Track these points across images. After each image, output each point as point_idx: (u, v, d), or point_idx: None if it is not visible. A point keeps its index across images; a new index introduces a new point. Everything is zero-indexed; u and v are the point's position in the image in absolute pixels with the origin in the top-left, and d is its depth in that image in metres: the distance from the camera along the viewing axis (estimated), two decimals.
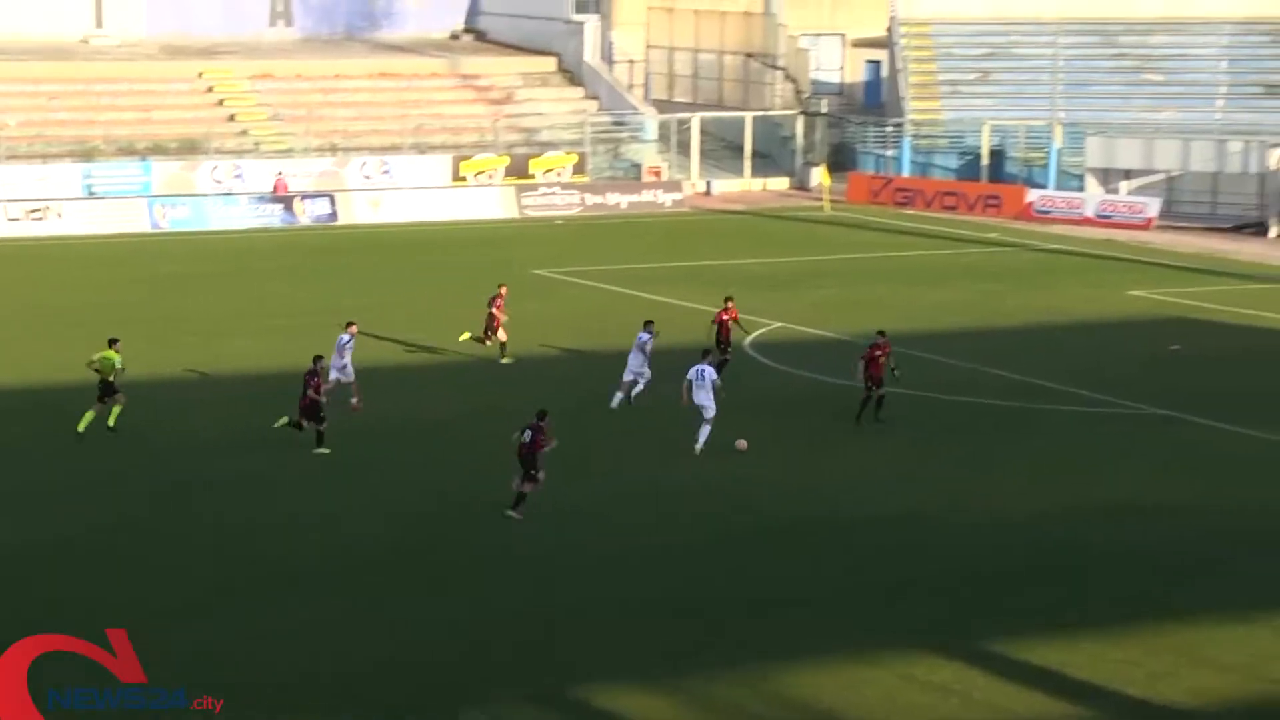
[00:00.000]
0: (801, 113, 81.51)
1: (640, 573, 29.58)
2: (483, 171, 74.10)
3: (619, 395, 39.73)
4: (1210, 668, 25.75)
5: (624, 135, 79.21)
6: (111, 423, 36.85)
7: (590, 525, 32.05)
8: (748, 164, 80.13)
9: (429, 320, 48.85)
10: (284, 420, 36.29)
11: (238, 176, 70.76)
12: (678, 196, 74.64)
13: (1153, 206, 69.84)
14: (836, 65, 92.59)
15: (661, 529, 31.91)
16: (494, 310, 43.89)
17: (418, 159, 73.79)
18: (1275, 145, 68.89)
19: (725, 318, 42.03)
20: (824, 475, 35.32)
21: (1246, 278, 58.82)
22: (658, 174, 76.53)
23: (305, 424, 35.96)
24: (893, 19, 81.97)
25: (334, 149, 74.01)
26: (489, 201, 72.09)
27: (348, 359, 39.06)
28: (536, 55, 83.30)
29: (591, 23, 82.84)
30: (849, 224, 69.84)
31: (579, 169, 75.61)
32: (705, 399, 36.03)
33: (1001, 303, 53.72)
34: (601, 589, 28.85)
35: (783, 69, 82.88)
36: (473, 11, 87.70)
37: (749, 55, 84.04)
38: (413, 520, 32.09)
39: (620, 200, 73.60)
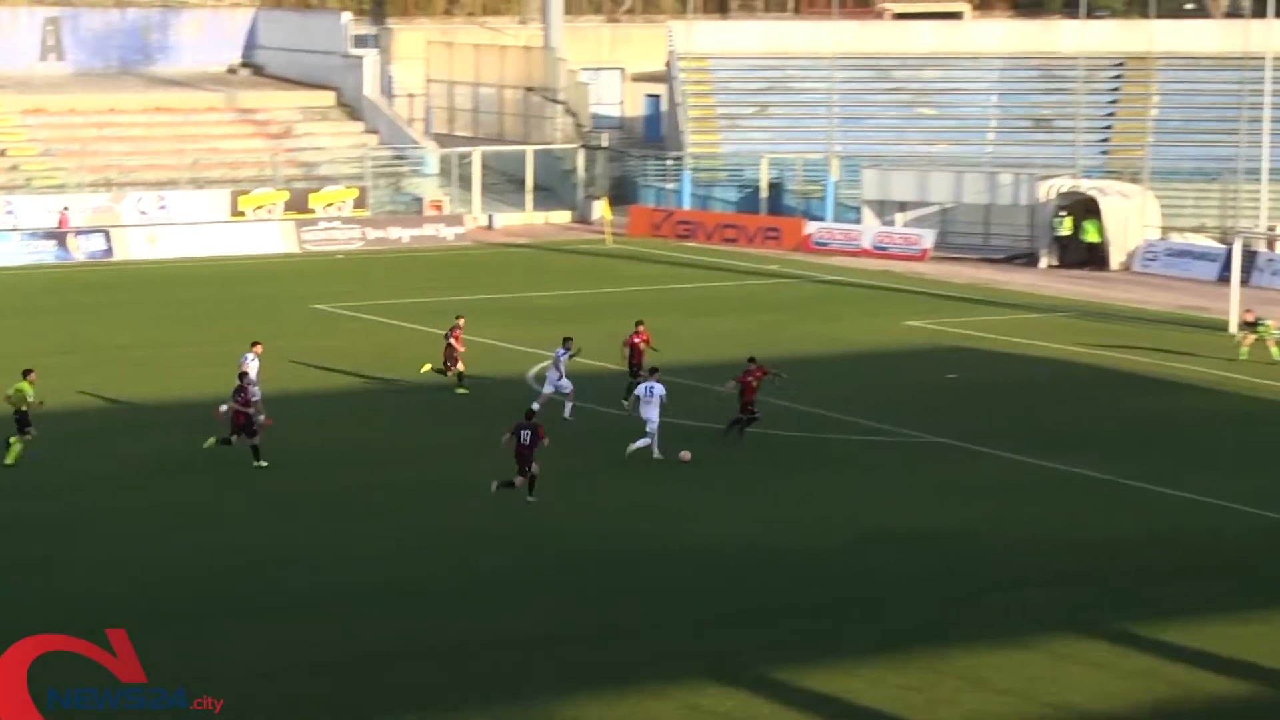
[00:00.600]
0: (582, 146, 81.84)
1: (426, 608, 29.44)
2: (262, 206, 73.41)
3: (537, 406, 40.82)
4: (989, 691, 26.21)
5: (405, 169, 78.96)
6: (10, 460, 37.15)
7: (386, 561, 31.87)
8: (529, 197, 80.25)
9: (211, 358, 48.25)
10: (211, 441, 37.38)
11: (10, 212, 69.42)
12: (460, 230, 74.54)
13: (927, 238, 71.02)
14: (616, 99, 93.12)
15: (449, 564, 31.82)
16: (452, 341, 44.45)
17: (195, 194, 72.92)
18: (1044, 178, 70.39)
19: (636, 340, 43.63)
20: (611, 508, 35.45)
21: (1019, 307, 60.00)
22: (439, 208, 76.36)
23: (234, 439, 37.09)
24: (671, 54, 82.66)
25: (109, 184, 72.91)
26: (269, 236, 71.44)
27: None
28: (315, 89, 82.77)
29: (370, 57, 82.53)
30: (631, 256, 70.21)
31: (360, 203, 75.20)
32: (651, 413, 38.23)
33: (783, 333, 54.29)
34: (387, 626, 28.69)
35: (563, 103, 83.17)
36: (249, 45, 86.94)
37: (529, 89, 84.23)
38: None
39: (402, 234, 73.32)
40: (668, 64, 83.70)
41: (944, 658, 27.35)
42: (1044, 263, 68.97)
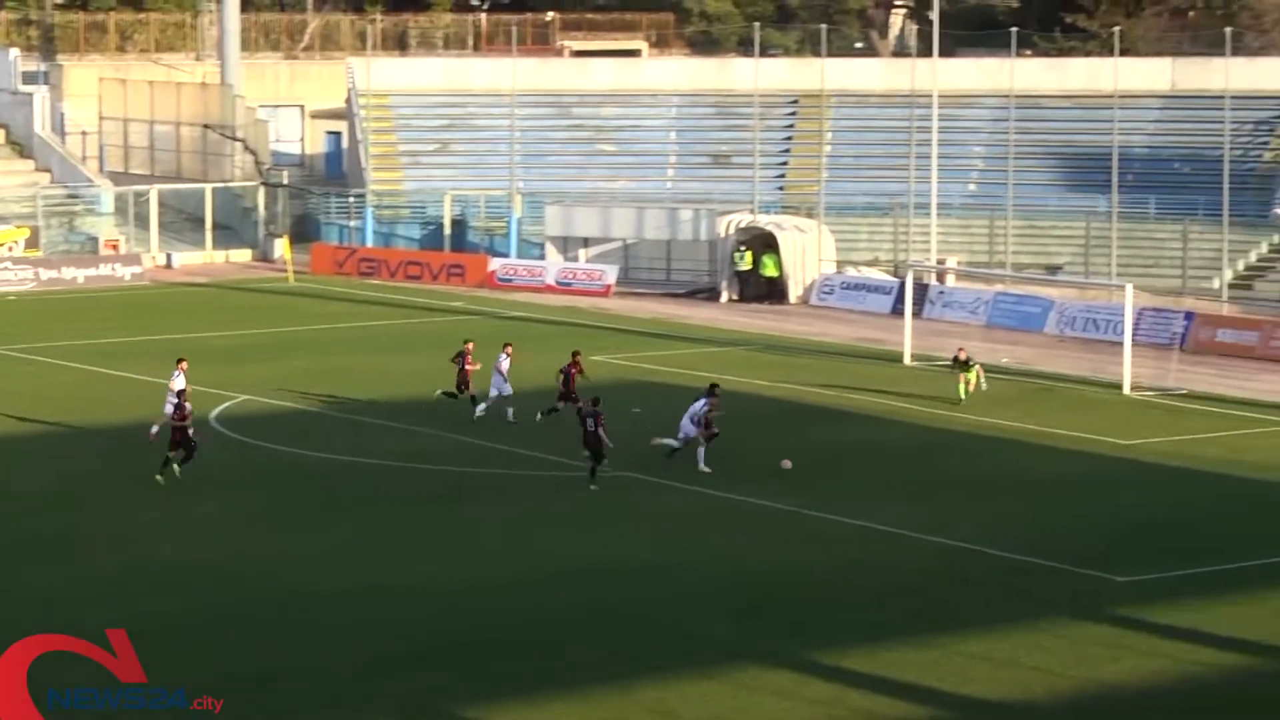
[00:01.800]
0: (262, 184, 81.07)
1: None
2: None
3: (483, 405, 45.63)
4: None
5: (79, 208, 77.43)
6: None
7: (58, 608, 31.24)
8: (209, 236, 79.22)
9: None
10: (172, 466, 38.78)
11: None
12: (137, 270, 73.30)
13: (610, 274, 71.71)
14: (296, 136, 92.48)
15: (126, 609, 31.25)
16: (465, 365, 46.60)
17: None
18: (724, 213, 71.57)
19: (572, 370, 45.59)
20: (292, 548, 35.14)
21: (701, 341, 60.85)
22: (115, 247, 75.03)
23: (171, 455, 38.65)
24: (351, 90, 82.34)
25: None
26: None
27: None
28: None
29: (40, 94, 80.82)
30: (314, 295, 69.71)
31: (32, 243, 73.52)
32: (688, 424, 41.17)
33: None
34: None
35: (242, 140, 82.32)
36: None
37: (207, 126, 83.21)
38: None
39: (77, 274, 71.87)
40: (348, 101, 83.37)
41: (631, 691, 27.64)
42: (725, 297, 70.09)
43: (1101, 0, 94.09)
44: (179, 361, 42.31)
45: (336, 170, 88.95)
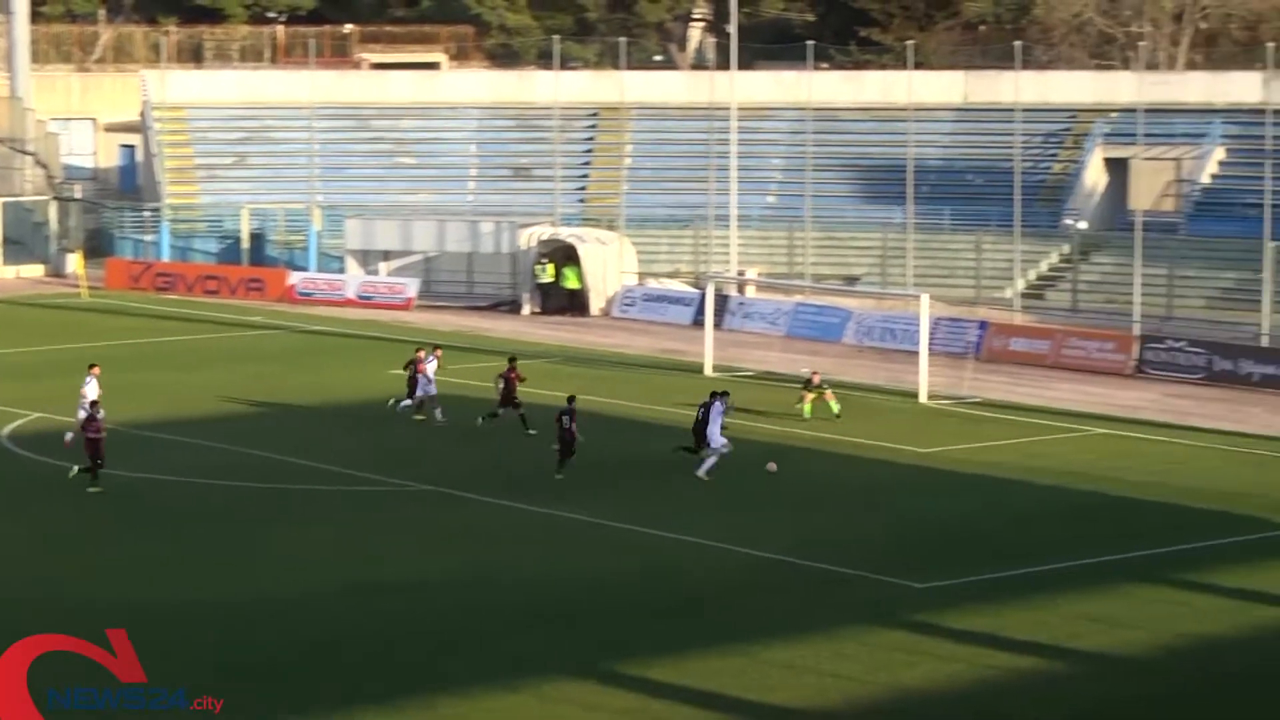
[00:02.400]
0: (54, 198, 79.78)
1: None
2: None
3: (406, 403, 47.99)
4: None
5: None
6: None
7: None
8: None
9: None
10: (75, 470, 39.18)
11: None
12: None
13: (412, 287, 71.46)
14: (89, 150, 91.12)
15: None
16: (420, 373, 48.21)
17: None
18: (525, 226, 71.61)
19: (512, 376, 46.99)
20: (86, 567, 34.58)
21: (503, 354, 60.68)
22: None
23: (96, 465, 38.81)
24: (145, 104, 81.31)
25: None
26: None
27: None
28: None
29: None
30: (110, 310, 68.72)
31: None
32: (712, 429, 41.69)
33: (268, 385, 53.90)
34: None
35: (33, 153, 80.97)
36: None
37: None
38: None
39: None
40: (142, 114, 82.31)
41: (434, 706, 27.53)
42: (526, 309, 70.14)
43: (895, 15, 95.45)
44: (90, 367, 43.12)
45: (131, 184, 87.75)
